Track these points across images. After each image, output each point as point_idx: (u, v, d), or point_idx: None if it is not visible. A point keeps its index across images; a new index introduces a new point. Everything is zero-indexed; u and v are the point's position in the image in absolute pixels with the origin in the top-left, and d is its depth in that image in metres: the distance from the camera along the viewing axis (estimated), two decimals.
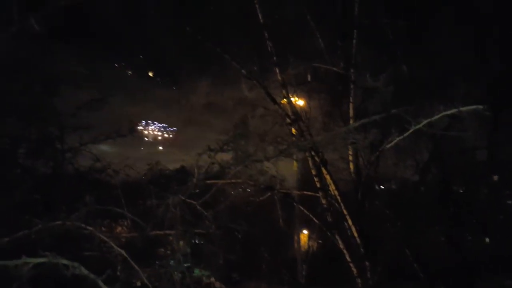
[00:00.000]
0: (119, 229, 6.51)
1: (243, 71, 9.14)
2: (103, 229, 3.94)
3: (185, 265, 7.97)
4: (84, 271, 2.68)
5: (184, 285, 7.89)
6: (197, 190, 5.35)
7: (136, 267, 3.50)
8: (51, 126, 7.38)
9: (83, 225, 3.35)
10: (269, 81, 9.46)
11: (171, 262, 7.65)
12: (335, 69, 8.94)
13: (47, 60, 7.27)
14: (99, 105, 7.91)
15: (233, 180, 8.47)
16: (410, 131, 3.63)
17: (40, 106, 7.25)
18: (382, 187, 10.59)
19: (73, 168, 7.56)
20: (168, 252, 6.00)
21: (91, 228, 3.33)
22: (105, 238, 3.27)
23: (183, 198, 4.51)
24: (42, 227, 3.10)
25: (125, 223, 5.85)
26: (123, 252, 3.38)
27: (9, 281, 2.53)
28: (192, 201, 4.64)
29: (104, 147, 8.29)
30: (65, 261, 2.56)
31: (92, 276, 2.72)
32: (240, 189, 9.29)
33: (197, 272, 9.45)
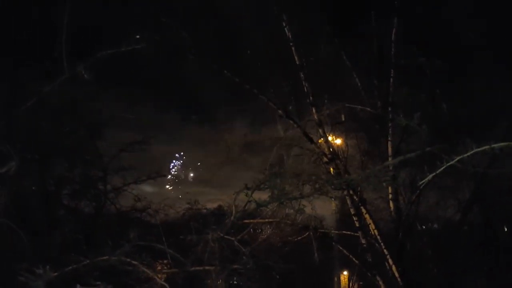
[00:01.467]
0: (159, 267, 6.77)
1: (279, 111, 9.43)
2: (144, 267, 4.15)
3: None
4: None
5: None
6: (234, 229, 5.55)
7: None
8: (95, 167, 7.89)
9: (128, 259, 3.62)
10: (306, 121, 9.68)
11: None
12: (369, 109, 9.11)
13: (92, 104, 7.83)
14: (141, 147, 8.42)
15: (270, 219, 8.64)
16: (442, 168, 3.75)
17: (84, 148, 7.78)
18: (423, 227, 10.40)
19: (115, 208, 8.01)
20: None
21: (135, 263, 3.59)
22: (149, 272, 3.51)
23: (221, 234, 4.72)
24: (90, 262, 3.38)
25: (165, 261, 6.10)
26: (166, 286, 3.60)
27: None
28: (230, 237, 4.83)
29: (144, 187, 8.72)
30: None
31: None
32: (277, 229, 9.40)
33: None
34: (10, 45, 6.40)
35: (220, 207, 8.30)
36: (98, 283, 2.77)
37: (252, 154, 9.29)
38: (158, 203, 8.50)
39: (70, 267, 3.11)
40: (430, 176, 3.95)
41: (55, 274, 2.96)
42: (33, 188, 5.46)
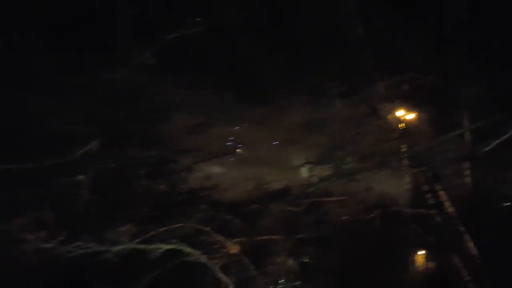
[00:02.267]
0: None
1: (341, 87, 9.52)
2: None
3: (295, 283, 8.51)
4: (204, 259, 3.36)
5: None
6: (298, 203, 5.86)
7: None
8: (166, 149, 8.58)
9: (200, 226, 4.07)
10: (370, 96, 9.68)
11: (281, 281, 8.26)
12: (436, 80, 8.94)
13: (157, 89, 8.47)
14: (205, 128, 8.99)
15: (337, 198, 8.86)
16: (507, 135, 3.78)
17: (156, 132, 8.47)
18: (503, 204, 10.07)
19: (185, 186, 8.67)
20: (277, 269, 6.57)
21: (207, 229, 4.04)
22: (220, 238, 3.94)
23: (285, 206, 5.07)
24: (167, 229, 3.86)
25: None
26: (237, 252, 4.02)
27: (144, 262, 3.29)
28: (294, 209, 5.17)
29: (212, 168, 9.31)
30: (189, 249, 3.26)
31: (210, 264, 3.39)
32: (346, 207, 9.58)
33: None
34: (78, 35, 7.13)
35: (283, 186, 8.67)
36: (174, 240, 3.22)
37: (314, 132, 9.49)
38: (224, 182, 9.06)
39: (150, 234, 3.60)
40: (495, 143, 4.00)
41: (139, 240, 3.44)
42: (114, 167, 6.11)
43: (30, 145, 6.18)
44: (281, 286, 8.39)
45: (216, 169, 9.58)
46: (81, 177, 4.34)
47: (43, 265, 5.28)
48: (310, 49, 8.97)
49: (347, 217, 9.74)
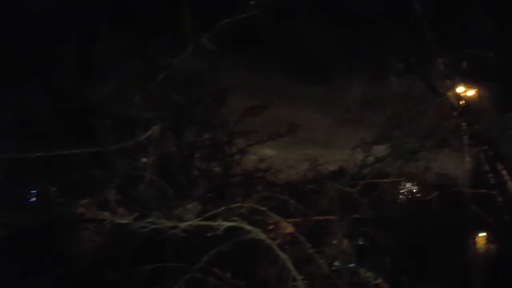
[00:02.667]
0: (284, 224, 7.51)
1: (400, 65, 9.35)
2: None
3: (350, 265, 8.61)
4: (262, 235, 3.55)
5: (350, 285, 8.50)
6: (354, 183, 5.93)
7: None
8: (221, 132, 8.87)
9: (257, 206, 4.27)
10: (430, 73, 9.45)
11: (337, 262, 8.39)
12: (499, 56, 8.57)
13: (214, 73, 8.72)
14: (259, 110, 9.17)
15: (394, 179, 8.81)
16: None
17: (211, 115, 8.76)
18: None
19: (240, 168, 8.95)
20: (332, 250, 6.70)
21: (264, 209, 4.23)
22: (276, 217, 4.13)
23: (340, 186, 5.16)
24: (225, 209, 4.09)
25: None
26: (293, 231, 4.20)
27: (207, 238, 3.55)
28: (350, 189, 5.25)
29: (266, 151, 9.51)
30: (248, 227, 3.47)
31: (268, 241, 3.58)
32: (404, 189, 9.51)
33: (362, 272, 9.96)
34: (139, 22, 7.47)
35: (340, 168, 8.71)
36: (235, 218, 3.43)
37: (371, 112, 9.42)
38: (279, 164, 9.25)
39: (210, 213, 3.83)
40: None
41: (199, 219, 3.67)
42: (173, 151, 6.44)
43: (97, 130, 6.66)
44: (336, 268, 8.52)
45: (270, 151, 9.79)
46: (144, 160, 4.64)
47: (115, 241, 5.78)
48: (368, 26, 8.86)
49: (405, 198, 9.69)
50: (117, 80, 7.04)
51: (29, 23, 6.93)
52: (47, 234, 7.00)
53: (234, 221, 3.41)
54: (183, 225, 3.13)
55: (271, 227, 6.03)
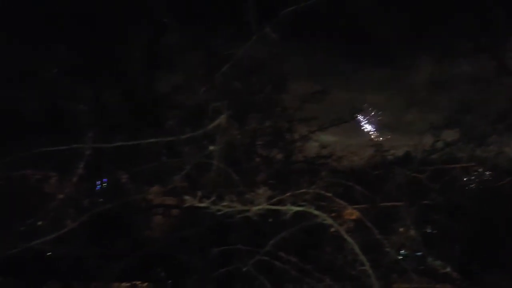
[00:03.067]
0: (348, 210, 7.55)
1: (470, 44, 9.01)
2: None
3: (418, 253, 8.51)
4: (330, 220, 3.66)
5: (417, 274, 8.43)
6: (422, 169, 5.87)
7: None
8: (281, 119, 8.98)
9: (322, 191, 4.38)
10: (503, 52, 9.05)
11: (403, 251, 8.32)
12: None
13: (275, 60, 8.83)
14: (321, 96, 9.19)
15: (465, 164, 8.57)
16: None
17: (272, 103, 8.90)
18: None
19: (302, 155, 9.04)
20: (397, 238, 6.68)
21: (329, 194, 4.33)
22: (342, 202, 4.22)
23: (408, 172, 5.15)
24: (291, 194, 4.23)
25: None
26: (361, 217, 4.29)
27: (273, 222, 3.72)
28: (418, 175, 5.22)
29: (327, 137, 9.52)
30: (316, 212, 3.59)
31: (336, 225, 3.69)
32: (474, 173, 9.20)
33: (430, 261, 9.79)
34: (203, 14, 7.73)
35: (407, 153, 8.57)
36: (303, 203, 3.57)
37: (439, 94, 9.15)
38: (341, 150, 9.23)
39: (277, 198, 3.98)
40: None
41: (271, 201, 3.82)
42: (237, 138, 6.67)
43: (167, 120, 7.05)
44: (403, 256, 8.46)
45: (333, 137, 9.79)
46: (211, 148, 4.89)
47: (185, 226, 6.15)
48: (435, 4, 8.60)
49: (476, 184, 9.36)
50: (183, 71, 7.36)
51: (100, 17, 7.40)
52: (120, 220, 7.52)
53: (302, 206, 3.54)
54: (254, 209, 3.31)
55: (335, 214, 6.12)
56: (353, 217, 6.08)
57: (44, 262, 7.29)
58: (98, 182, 7.81)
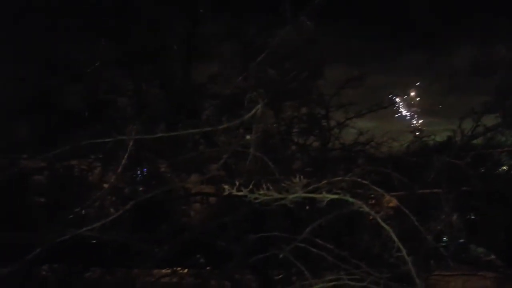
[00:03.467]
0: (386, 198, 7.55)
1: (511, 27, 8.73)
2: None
3: (460, 240, 8.43)
4: (366, 208, 3.74)
5: (459, 261, 8.35)
6: (462, 155, 5.81)
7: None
8: (318, 106, 9.01)
9: (359, 179, 4.45)
10: None
11: (445, 238, 8.26)
12: None
13: (311, 47, 8.83)
14: (358, 82, 9.14)
15: (507, 148, 8.37)
16: None
17: (308, 89, 8.93)
18: None
19: (339, 142, 9.05)
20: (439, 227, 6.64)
21: (366, 182, 4.39)
22: (379, 190, 4.27)
23: (448, 158, 5.12)
24: (328, 182, 4.30)
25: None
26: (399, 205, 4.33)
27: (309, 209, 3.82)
28: (458, 161, 5.19)
29: (365, 123, 9.47)
30: (351, 199, 3.67)
31: (372, 213, 3.76)
32: None
33: (473, 248, 9.67)
34: (238, 2, 7.84)
35: (448, 138, 8.45)
36: (338, 191, 3.65)
37: (482, 78, 8.94)
38: (380, 137, 9.18)
39: (313, 186, 4.08)
40: None
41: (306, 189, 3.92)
42: (273, 127, 6.78)
43: (204, 110, 7.27)
44: (444, 244, 8.38)
45: (371, 123, 9.72)
46: (248, 137, 5.03)
47: (223, 213, 6.36)
48: None
49: None
50: (220, 61, 7.51)
51: (138, 10, 7.63)
52: (161, 208, 7.82)
53: (338, 194, 3.63)
54: (290, 197, 3.42)
55: (373, 201, 6.16)
56: (392, 204, 6.10)
57: (87, 249, 7.64)
58: (139, 171, 8.13)
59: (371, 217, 3.84)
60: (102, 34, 7.33)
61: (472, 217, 9.54)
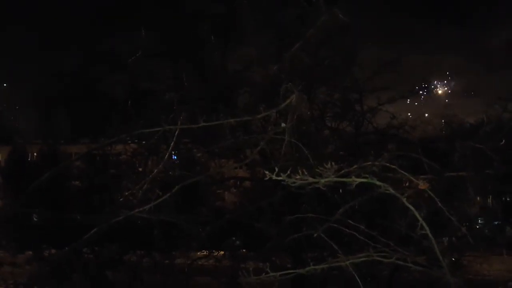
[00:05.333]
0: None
1: None
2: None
3: (495, 223, 8.83)
4: (392, 191, 4.29)
5: (495, 243, 8.73)
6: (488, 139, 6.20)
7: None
8: (352, 91, 9.44)
9: (387, 164, 4.99)
10: None
11: (480, 219, 8.66)
12: None
13: (345, 33, 9.25)
14: (393, 66, 9.52)
15: None
16: None
17: (342, 74, 9.38)
18: None
19: (372, 126, 9.47)
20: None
21: (394, 167, 4.93)
22: (408, 175, 4.79)
23: (472, 144, 5.58)
24: (357, 167, 4.86)
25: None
26: (426, 189, 4.85)
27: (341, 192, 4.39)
28: (481, 146, 5.64)
29: (399, 106, 9.83)
30: (378, 182, 4.24)
31: (398, 195, 4.32)
32: None
33: (509, 230, 10.04)
34: None
35: (482, 120, 8.76)
36: (367, 175, 4.21)
37: None
38: (414, 120, 9.55)
39: (344, 171, 4.64)
40: None
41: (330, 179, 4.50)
42: (306, 113, 7.31)
43: (239, 97, 7.85)
44: (480, 225, 8.77)
45: (404, 107, 10.07)
46: (283, 125, 5.58)
47: (260, 196, 7.00)
48: None
49: None
50: (256, 49, 8.06)
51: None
52: (200, 192, 8.50)
53: (366, 177, 4.17)
54: (322, 181, 3.96)
55: (406, 183, 6.65)
56: (423, 187, 6.58)
57: (127, 232, 8.33)
58: (175, 157, 8.82)
59: (399, 200, 4.33)
60: (143, 26, 7.97)
61: (508, 199, 9.87)
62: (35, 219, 9.94)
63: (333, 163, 3.93)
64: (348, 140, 9.28)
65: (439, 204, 4.82)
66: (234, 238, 9.67)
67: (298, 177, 3.76)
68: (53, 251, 9.56)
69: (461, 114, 9.65)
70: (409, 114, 9.67)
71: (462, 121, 8.82)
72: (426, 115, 9.33)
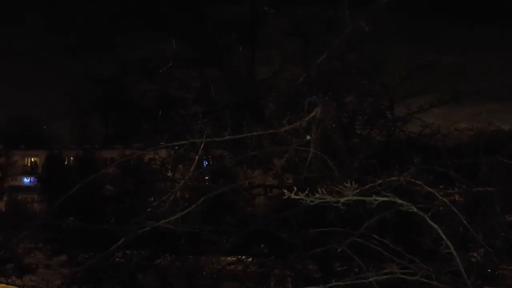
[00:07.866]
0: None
1: None
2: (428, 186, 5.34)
3: None
4: (415, 209, 4.30)
5: None
6: None
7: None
8: (382, 98, 9.37)
9: (413, 180, 4.98)
10: None
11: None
12: None
13: (373, 41, 9.19)
14: (424, 72, 9.39)
15: None
16: None
17: (372, 82, 9.34)
18: None
19: (403, 134, 9.36)
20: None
21: (419, 182, 4.92)
22: (432, 191, 4.78)
23: (500, 158, 5.49)
24: (382, 182, 4.88)
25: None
26: (448, 203, 4.83)
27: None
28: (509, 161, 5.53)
29: (432, 113, 9.65)
30: (400, 201, 4.25)
31: (420, 213, 4.32)
32: None
33: None
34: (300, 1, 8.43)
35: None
36: (388, 194, 4.23)
37: None
38: (447, 127, 9.37)
39: (367, 186, 4.67)
40: None
41: (357, 190, 4.54)
42: (333, 123, 7.34)
43: (267, 108, 7.96)
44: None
45: (435, 114, 9.88)
46: (308, 137, 5.64)
47: (284, 207, 7.09)
48: None
49: None
50: (282, 59, 8.15)
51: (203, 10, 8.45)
52: (228, 201, 8.64)
53: (387, 196, 4.19)
54: (342, 200, 4.00)
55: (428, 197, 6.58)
56: (448, 200, 6.50)
57: (159, 237, 8.55)
58: (206, 163, 9.00)
59: (423, 216, 4.32)
60: (172, 35, 8.19)
61: None
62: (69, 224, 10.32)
63: (353, 182, 3.97)
64: (378, 148, 9.21)
65: (464, 221, 4.79)
66: (262, 246, 9.78)
67: (317, 195, 3.82)
68: (85, 256, 9.90)
69: (497, 120, 9.41)
70: (440, 121, 9.47)
71: (496, 130, 8.60)
72: (462, 124, 9.09)
